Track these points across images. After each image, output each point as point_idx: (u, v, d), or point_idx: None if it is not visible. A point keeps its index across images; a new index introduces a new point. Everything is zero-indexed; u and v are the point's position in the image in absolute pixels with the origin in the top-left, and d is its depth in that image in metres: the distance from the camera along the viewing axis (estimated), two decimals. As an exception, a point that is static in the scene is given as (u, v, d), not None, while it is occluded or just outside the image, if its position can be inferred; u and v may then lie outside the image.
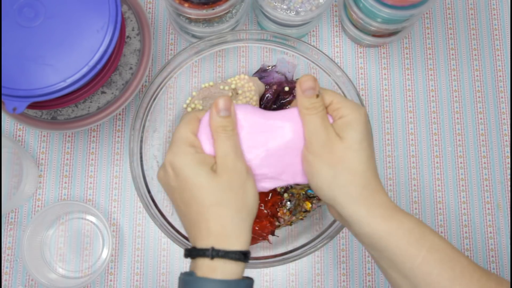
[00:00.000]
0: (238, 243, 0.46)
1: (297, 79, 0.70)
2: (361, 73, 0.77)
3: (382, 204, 0.47)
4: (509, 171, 0.75)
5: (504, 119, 0.76)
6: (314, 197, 0.67)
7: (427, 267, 0.45)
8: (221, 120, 0.48)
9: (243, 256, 0.46)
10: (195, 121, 0.50)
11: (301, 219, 0.68)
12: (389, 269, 0.48)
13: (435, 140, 0.75)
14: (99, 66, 0.58)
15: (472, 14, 0.80)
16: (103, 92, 0.67)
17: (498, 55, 0.78)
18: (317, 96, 0.49)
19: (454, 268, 0.46)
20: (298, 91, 0.49)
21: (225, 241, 0.46)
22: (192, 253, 0.47)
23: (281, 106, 0.69)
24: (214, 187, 0.46)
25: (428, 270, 0.45)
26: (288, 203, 0.66)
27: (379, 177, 0.49)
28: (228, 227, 0.46)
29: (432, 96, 0.77)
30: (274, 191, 0.66)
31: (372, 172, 0.48)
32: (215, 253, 0.45)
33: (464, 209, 0.74)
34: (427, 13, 0.79)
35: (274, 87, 0.69)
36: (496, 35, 0.79)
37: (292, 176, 0.51)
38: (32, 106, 0.63)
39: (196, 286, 0.45)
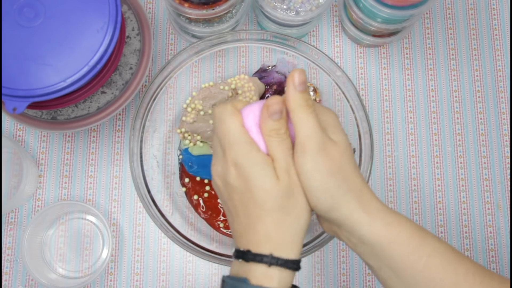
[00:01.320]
0: (295, 252, 0.44)
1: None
2: (361, 73, 0.77)
3: (380, 209, 0.46)
4: (509, 171, 0.75)
5: (504, 119, 0.76)
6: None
7: (429, 272, 0.44)
8: (273, 123, 0.45)
9: (298, 266, 0.44)
10: (239, 114, 0.46)
11: (301, 219, 0.68)
12: (389, 279, 0.46)
13: (435, 140, 0.75)
14: (99, 66, 0.58)
15: (472, 14, 0.80)
16: (103, 92, 0.67)
17: (498, 55, 0.78)
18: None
19: (456, 272, 0.45)
20: (290, 87, 0.45)
21: (283, 249, 0.44)
22: (247, 256, 0.44)
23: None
24: (277, 191, 0.44)
25: (431, 276, 0.44)
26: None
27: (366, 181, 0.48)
28: (287, 234, 0.44)
29: (432, 96, 0.77)
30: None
31: (362, 177, 0.47)
32: (274, 261, 0.43)
33: (464, 209, 0.74)
34: (427, 13, 0.79)
35: (274, 87, 0.69)
36: (496, 35, 0.79)
37: None
38: (32, 106, 0.63)
39: None
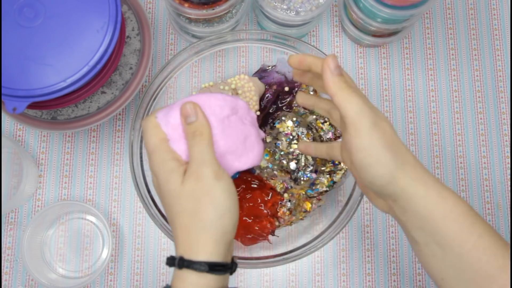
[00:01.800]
0: (204, 253, 0.44)
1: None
2: (361, 73, 0.77)
3: (435, 183, 0.45)
4: (509, 171, 0.75)
5: (504, 119, 0.76)
6: (314, 197, 0.67)
7: (477, 253, 0.44)
8: (189, 126, 0.47)
9: (207, 267, 0.44)
10: (159, 126, 0.48)
11: (301, 219, 0.68)
12: (433, 257, 0.46)
13: (435, 140, 0.75)
14: (99, 66, 0.58)
15: (472, 14, 0.80)
16: (103, 92, 0.67)
17: (498, 55, 0.78)
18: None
19: (503, 256, 0.44)
20: (327, 72, 0.45)
21: (190, 250, 0.44)
22: (167, 261, 0.46)
23: (281, 107, 0.69)
24: (180, 194, 0.45)
25: (478, 257, 0.44)
26: (288, 203, 0.66)
27: None
28: (191, 236, 0.44)
29: (432, 96, 0.77)
30: (274, 191, 0.66)
31: (409, 150, 0.47)
32: (181, 263, 0.44)
33: (464, 209, 0.73)
34: (427, 13, 0.79)
35: (274, 87, 0.69)
36: (496, 35, 0.79)
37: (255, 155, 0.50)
38: (32, 106, 0.63)
39: None
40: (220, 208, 0.45)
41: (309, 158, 0.64)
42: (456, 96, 0.77)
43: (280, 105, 0.69)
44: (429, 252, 0.46)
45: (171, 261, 0.45)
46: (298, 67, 0.50)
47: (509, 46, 0.79)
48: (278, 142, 0.65)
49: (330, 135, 0.67)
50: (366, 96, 0.76)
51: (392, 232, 0.72)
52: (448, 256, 0.45)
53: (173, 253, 0.71)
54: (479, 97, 0.77)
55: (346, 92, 0.44)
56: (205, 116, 0.47)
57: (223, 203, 0.45)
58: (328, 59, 0.45)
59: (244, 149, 0.49)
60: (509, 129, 0.76)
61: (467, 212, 0.45)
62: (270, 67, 0.71)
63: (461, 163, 0.75)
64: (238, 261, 0.60)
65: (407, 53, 0.78)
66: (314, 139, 0.65)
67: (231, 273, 0.47)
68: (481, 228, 0.45)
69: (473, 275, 0.44)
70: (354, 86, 0.46)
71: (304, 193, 0.67)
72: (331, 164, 0.66)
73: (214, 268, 0.44)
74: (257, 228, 0.64)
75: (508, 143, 0.76)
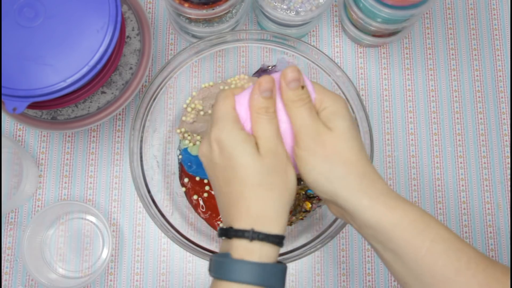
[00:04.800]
0: (278, 227, 0.45)
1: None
2: (361, 73, 0.77)
3: (383, 193, 0.46)
4: (509, 171, 0.75)
5: (504, 119, 0.76)
6: (314, 197, 0.67)
7: (432, 258, 0.44)
8: (263, 101, 0.46)
9: (281, 241, 0.45)
10: (233, 97, 0.48)
11: (301, 219, 0.68)
12: (392, 262, 0.46)
13: (435, 140, 0.75)
14: (99, 66, 0.58)
15: (472, 14, 0.80)
16: (103, 92, 0.67)
17: (498, 55, 0.78)
18: (302, 87, 0.47)
19: (459, 259, 0.44)
20: (282, 83, 0.47)
21: (265, 224, 0.45)
22: (229, 233, 0.45)
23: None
24: (259, 167, 0.45)
25: (433, 261, 0.44)
26: (288, 203, 0.66)
27: (373, 165, 0.48)
28: (269, 209, 0.45)
29: (432, 96, 0.77)
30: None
31: (366, 161, 0.47)
32: (255, 235, 0.44)
33: (464, 209, 0.73)
34: (427, 13, 0.79)
35: (274, 87, 0.69)
36: (496, 35, 0.79)
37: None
38: (32, 106, 0.63)
39: (233, 268, 0.44)
40: (295, 185, 0.47)
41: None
42: (456, 96, 0.77)
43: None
44: (388, 258, 0.47)
45: (236, 233, 0.45)
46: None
47: (509, 46, 0.79)
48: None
49: None
50: (366, 96, 0.76)
51: (392, 232, 0.72)
52: (406, 262, 0.45)
53: (173, 253, 0.71)
54: (479, 97, 0.77)
55: (294, 106, 0.47)
56: (275, 97, 0.48)
57: (295, 181, 0.47)
58: (286, 71, 0.47)
59: None
60: (509, 129, 0.76)
61: (418, 219, 0.45)
62: (270, 67, 0.71)
63: (461, 163, 0.75)
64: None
65: (407, 53, 0.78)
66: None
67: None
68: (433, 234, 0.45)
69: (431, 279, 0.44)
70: (305, 99, 0.47)
71: (304, 193, 0.67)
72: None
73: (283, 241, 0.45)
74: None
75: (508, 143, 0.76)
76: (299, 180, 0.66)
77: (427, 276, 0.45)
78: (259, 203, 0.45)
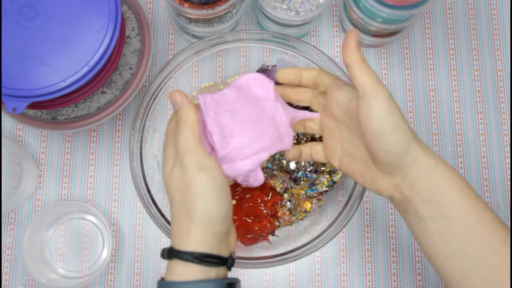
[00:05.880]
0: (191, 244, 0.44)
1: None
2: (361, 73, 0.77)
3: (439, 156, 0.47)
4: (509, 171, 0.75)
5: (504, 119, 0.76)
6: (314, 197, 0.67)
7: (482, 226, 0.45)
8: (176, 114, 0.48)
9: (193, 257, 0.44)
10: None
11: (301, 219, 0.68)
12: (438, 232, 0.46)
13: (435, 140, 0.75)
14: (99, 66, 0.58)
15: (472, 14, 0.80)
16: (103, 92, 0.67)
17: (498, 55, 0.78)
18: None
19: (503, 231, 0.45)
20: (352, 43, 0.45)
21: (179, 241, 0.45)
22: (161, 253, 0.47)
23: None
24: (170, 184, 0.46)
25: (482, 229, 0.45)
26: (288, 203, 0.66)
27: None
28: (180, 227, 0.45)
29: (432, 96, 0.77)
30: (274, 191, 0.66)
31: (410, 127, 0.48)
32: (170, 253, 0.45)
33: (464, 209, 0.73)
34: (427, 13, 0.79)
35: (274, 87, 0.69)
36: (496, 35, 0.79)
37: (274, 144, 0.49)
38: (32, 106, 0.63)
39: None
40: (205, 199, 0.44)
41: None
42: (456, 96, 0.77)
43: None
44: (434, 227, 0.46)
45: (162, 252, 0.46)
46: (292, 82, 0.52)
47: (509, 46, 0.79)
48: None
49: None
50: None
51: (392, 232, 0.72)
52: (454, 229, 0.45)
53: (173, 253, 0.71)
54: (479, 97, 0.77)
55: (366, 64, 0.45)
56: (190, 104, 0.47)
57: (208, 194, 0.44)
58: (352, 33, 0.46)
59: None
60: (509, 129, 0.76)
61: (469, 186, 0.46)
62: (270, 67, 0.71)
63: (461, 163, 0.75)
64: (238, 261, 0.60)
65: (407, 53, 0.78)
66: (313, 139, 0.65)
67: (228, 268, 0.47)
68: (483, 203, 0.46)
69: (477, 248, 0.45)
70: None
71: (304, 193, 0.67)
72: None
73: (201, 258, 0.44)
74: (257, 228, 0.64)
75: (508, 143, 0.76)
76: (296, 180, 0.66)
77: (474, 244, 0.45)
78: (174, 220, 0.47)
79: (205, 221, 0.44)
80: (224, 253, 0.47)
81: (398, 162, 0.46)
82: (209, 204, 0.44)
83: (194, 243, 0.44)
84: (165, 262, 0.70)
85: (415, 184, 0.46)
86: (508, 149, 0.75)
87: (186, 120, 0.46)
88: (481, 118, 0.76)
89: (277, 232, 0.67)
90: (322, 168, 0.66)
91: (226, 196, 0.46)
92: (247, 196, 0.65)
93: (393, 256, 0.72)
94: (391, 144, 0.45)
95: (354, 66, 0.45)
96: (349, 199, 0.62)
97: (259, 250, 0.66)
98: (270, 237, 0.66)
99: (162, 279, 0.46)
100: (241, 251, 0.67)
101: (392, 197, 0.48)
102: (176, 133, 0.46)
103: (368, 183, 0.49)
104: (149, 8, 0.78)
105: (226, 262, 0.46)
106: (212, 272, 0.45)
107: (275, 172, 0.66)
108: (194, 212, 0.44)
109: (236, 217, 0.65)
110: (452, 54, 0.78)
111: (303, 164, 0.65)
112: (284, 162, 0.65)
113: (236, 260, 0.56)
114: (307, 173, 0.65)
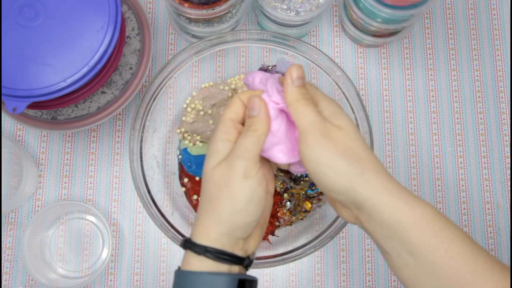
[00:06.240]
0: (206, 239, 0.45)
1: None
2: (361, 73, 0.77)
3: (401, 191, 0.44)
4: (509, 171, 0.75)
5: (504, 119, 0.76)
6: (314, 197, 0.67)
7: (450, 260, 0.43)
8: (248, 119, 0.47)
9: (205, 252, 0.45)
10: (241, 105, 0.49)
11: (301, 219, 0.68)
12: (406, 267, 0.44)
13: (435, 140, 0.75)
14: (99, 66, 0.58)
15: (472, 14, 0.80)
16: (103, 92, 0.67)
17: (498, 55, 0.78)
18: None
19: (476, 261, 0.43)
20: (288, 81, 0.46)
21: (197, 233, 0.46)
22: (180, 242, 0.48)
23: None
24: (209, 177, 0.46)
25: (451, 263, 0.43)
26: (288, 203, 0.66)
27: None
28: (201, 220, 0.46)
29: (432, 96, 0.77)
30: (273, 191, 0.66)
31: (376, 157, 0.46)
32: (185, 244, 0.46)
33: (464, 209, 0.74)
34: (427, 13, 0.79)
35: (274, 87, 0.69)
36: (496, 35, 0.79)
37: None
38: (32, 106, 0.63)
39: (176, 276, 0.47)
40: (235, 205, 0.45)
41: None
42: (456, 96, 0.77)
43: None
44: (401, 262, 0.45)
45: (181, 241, 0.48)
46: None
47: (509, 46, 0.79)
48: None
49: None
50: (366, 96, 0.76)
51: (392, 232, 0.72)
52: (421, 265, 0.44)
53: (173, 253, 0.71)
54: (479, 97, 0.77)
55: (300, 104, 0.45)
56: (267, 114, 0.47)
57: (241, 201, 0.44)
58: (292, 68, 0.46)
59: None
60: (509, 129, 0.76)
61: (436, 219, 0.44)
62: (270, 67, 0.71)
63: (461, 163, 0.75)
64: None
65: (407, 53, 0.78)
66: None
67: (245, 268, 0.47)
68: (452, 234, 0.44)
69: (448, 282, 0.43)
70: (309, 98, 0.46)
71: (304, 193, 0.67)
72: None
73: (213, 253, 0.45)
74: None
75: (508, 143, 0.76)
76: (296, 180, 0.66)
77: (444, 279, 0.43)
78: (200, 212, 0.47)
79: (225, 225, 0.45)
80: (239, 252, 0.47)
81: (346, 200, 0.45)
82: (236, 212, 0.45)
83: (209, 239, 0.45)
84: (165, 262, 0.70)
85: (371, 219, 0.45)
86: (508, 149, 0.75)
87: (258, 129, 0.46)
88: (481, 118, 0.76)
89: (277, 232, 0.67)
90: (322, 168, 0.66)
91: (257, 207, 0.45)
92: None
93: (393, 256, 0.72)
94: (329, 185, 0.44)
95: (290, 105, 0.46)
96: (349, 199, 0.62)
97: (259, 250, 0.66)
98: (270, 237, 0.66)
99: (179, 268, 0.47)
100: (241, 251, 0.66)
101: (356, 224, 0.48)
102: (241, 135, 0.46)
103: (333, 206, 0.49)
104: (149, 8, 0.78)
105: (240, 261, 0.46)
106: (223, 267, 0.45)
107: (275, 172, 0.66)
108: (219, 213, 0.45)
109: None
110: (452, 54, 0.78)
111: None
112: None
113: (253, 257, 0.56)
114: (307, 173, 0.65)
